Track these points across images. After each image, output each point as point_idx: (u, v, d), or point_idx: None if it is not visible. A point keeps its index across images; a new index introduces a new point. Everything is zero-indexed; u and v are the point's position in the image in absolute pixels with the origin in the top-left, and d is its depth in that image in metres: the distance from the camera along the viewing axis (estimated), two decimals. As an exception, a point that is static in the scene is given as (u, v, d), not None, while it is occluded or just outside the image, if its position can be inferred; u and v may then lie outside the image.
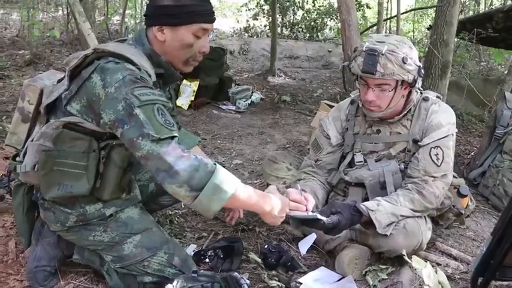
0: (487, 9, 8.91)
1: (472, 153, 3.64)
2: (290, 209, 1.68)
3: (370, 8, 9.24)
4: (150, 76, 1.51)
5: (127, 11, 7.57)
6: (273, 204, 1.54)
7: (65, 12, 7.65)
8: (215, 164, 1.42)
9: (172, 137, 1.39)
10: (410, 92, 1.93)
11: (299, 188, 1.75)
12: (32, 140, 1.55)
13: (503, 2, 9.31)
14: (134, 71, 1.44)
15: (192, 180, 1.35)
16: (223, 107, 5.00)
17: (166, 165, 1.34)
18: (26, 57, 6.04)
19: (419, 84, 1.85)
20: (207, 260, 1.87)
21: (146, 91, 1.41)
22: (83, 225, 1.59)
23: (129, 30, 6.72)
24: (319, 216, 1.65)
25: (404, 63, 1.74)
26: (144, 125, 1.36)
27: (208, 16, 1.57)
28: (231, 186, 1.41)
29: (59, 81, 1.66)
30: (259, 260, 1.91)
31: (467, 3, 9.14)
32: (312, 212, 1.69)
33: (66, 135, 1.49)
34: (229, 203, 1.42)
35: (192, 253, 1.92)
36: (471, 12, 9.34)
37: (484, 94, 4.79)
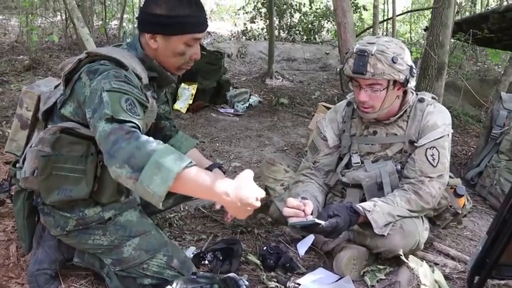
0: (483, 10, 8.95)
1: (469, 154, 3.66)
2: (289, 216, 1.69)
3: (366, 10, 9.27)
4: (141, 79, 1.53)
5: (125, 16, 7.60)
6: (231, 189, 1.22)
7: (64, 17, 7.67)
8: (164, 143, 1.27)
9: (129, 122, 1.29)
10: (405, 93, 1.95)
11: (299, 197, 1.78)
12: (31, 146, 1.57)
13: (499, 2, 9.35)
14: (121, 70, 1.45)
15: (132, 159, 1.19)
16: (222, 110, 5.02)
17: (109, 144, 1.23)
18: (25, 62, 6.06)
19: (412, 84, 1.87)
20: (206, 262, 1.88)
21: (124, 84, 1.39)
22: (82, 229, 1.60)
23: (127, 35, 6.73)
24: (318, 221, 1.67)
25: (395, 62, 1.76)
26: (105, 106, 1.31)
27: (201, 26, 1.57)
28: (177, 164, 1.19)
29: (56, 87, 1.68)
30: (258, 261, 1.92)
31: (463, 4, 9.18)
32: (310, 216, 1.72)
33: (64, 140, 1.51)
34: (177, 184, 1.19)
35: (192, 255, 1.93)
36: (467, 13, 9.38)
37: (480, 95, 4.82)
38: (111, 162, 1.22)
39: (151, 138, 1.26)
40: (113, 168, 1.22)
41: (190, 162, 1.22)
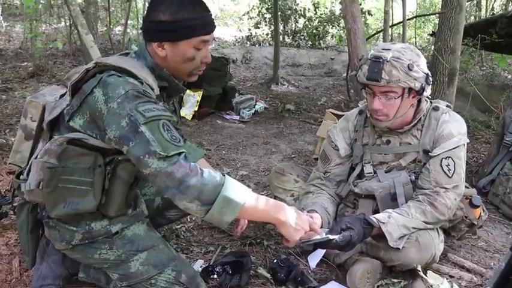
0: (488, 14, 8.89)
1: (480, 161, 3.60)
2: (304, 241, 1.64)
3: (371, 15, 9.23)
4: (153, 89, 1.48)
5: (129, 22, 7.58)
6: (287, 214, 1.49)
7: (68, 24, 7.66)
8: (224, 175, 1.42)
9: (180, 153, 1.37)
10: (420, 102, 1.90)
11: (305, 211, 1.75)
12: (36, 158, 1.52)
13: (504, 7, 9.30)
14: (136, 85, 1.41)
15: (202, 195, 1.35)
16: (227, 116, 4.98)
17: (176, 182, 1.34)
18: (29, 69, 6.02)
19: (427, 92, 1.81)
20: (215, 276, 1.83)
21: (150, 106, 1.38)
22: (88, 243, 1.55)
23: (131, 41, 6.71)
24: (331, 237, 1.63)
25: (410, 69, 1.71)
26: (150, 142, 1.34)
27: (208, 27, 1.51)
28: (242, 196, 1.41)
29: (61, 96, 1.63)
30: (268, 275, 1.87)
31: (468, 9, 9.11)
32: (323, 229, 1.67)
33: (71, 151, 1.46)
34: (242, 213, 1.42)
35: (200, 269, 1.88)
36: (472, 18, 9.32)
37: (488, 100, 4.75)
38: (181, 197, 1.36)
39: (212, 171, 1.41)
40: (182, 202, 1.37)
41: (251, 190, 1.47)
